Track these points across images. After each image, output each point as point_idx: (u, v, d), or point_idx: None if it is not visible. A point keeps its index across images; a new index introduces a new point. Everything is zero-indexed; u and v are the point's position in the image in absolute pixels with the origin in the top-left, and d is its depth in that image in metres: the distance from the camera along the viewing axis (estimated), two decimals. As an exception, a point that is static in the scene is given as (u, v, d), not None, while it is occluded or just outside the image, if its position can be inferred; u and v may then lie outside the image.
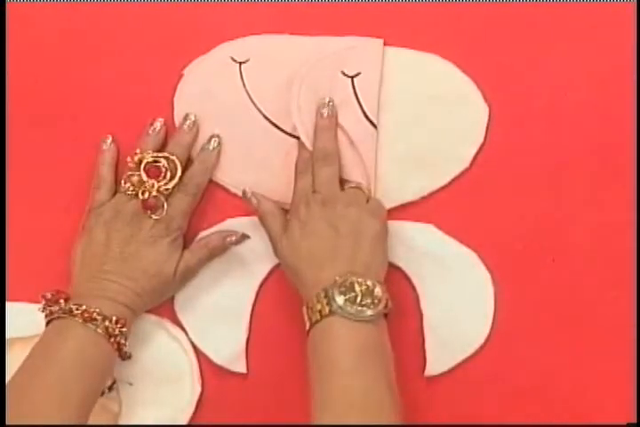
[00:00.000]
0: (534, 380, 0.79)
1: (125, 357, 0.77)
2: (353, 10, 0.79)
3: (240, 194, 0.81)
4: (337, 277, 0.72)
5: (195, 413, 0.80)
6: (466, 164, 0.80)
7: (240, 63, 0.81)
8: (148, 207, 0.78)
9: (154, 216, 0.78)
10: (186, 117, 0.81)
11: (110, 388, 0.79)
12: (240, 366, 0.80)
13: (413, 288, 0.80)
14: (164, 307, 0.81)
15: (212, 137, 0.81)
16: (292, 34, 0.80)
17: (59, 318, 0.75)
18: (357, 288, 0.71)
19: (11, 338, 0.80)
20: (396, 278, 0.80)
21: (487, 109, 0.80)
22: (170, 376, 0.80)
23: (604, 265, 0.78)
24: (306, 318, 0.73)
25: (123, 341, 0.75)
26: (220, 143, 0.81)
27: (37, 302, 0.77)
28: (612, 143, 0.79)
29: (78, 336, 0.74)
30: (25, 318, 0.79)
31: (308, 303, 0.73)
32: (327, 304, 0.71)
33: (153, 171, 0.79)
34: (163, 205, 0.78)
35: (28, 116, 0.83)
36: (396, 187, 0.81)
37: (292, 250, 0.76)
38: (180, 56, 0.81)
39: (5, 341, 0.80)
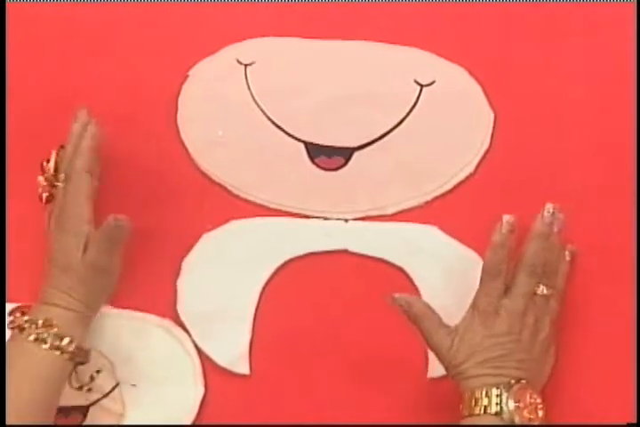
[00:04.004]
0: (535, 380, 0.80)
1: (81, 358, 0.75)
2: (358, 12, 0.80)
3: (242, 195, 0.81)
4: (512, 380, 0.71)
5: (197, 414, 0.79)
6: (470, 169, 0.81)
7: (245, 65, 0.81)
8: (46, 202, 0.78)
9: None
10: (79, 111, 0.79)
11: (109, 392, 0.79)
12: (243, 368, 0.80)
13: (415, 289, 0.80)
14: (167, 308, 0.81)
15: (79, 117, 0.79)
16: (298, 36, 0.81)
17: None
18: (528, 400, 0.71)
19: (11, 339, 0.79)
20: (397, 279, 0.81)
21: (492, 115, 0.81)
22: (173, 378, 0.80)
23: (604, 265, 0.79)
24: (466, 404, 0.72)
25: (57, 342, 0.73)
26: (87, 121, 0.78)
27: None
28: (614, 148, 0.80)
29: (13, 348, 0.73)
30: (25, 319, 0.78)
31: (472, 392, 0.71)
32: (497, 404, 0.70)
33: (42, 169, 0.78)
34: (46, 197, 0.78)
35: (29, 116, 0.83)
36: (401, 193, 0.81)
37: (469, 333, 0.74)
38: (185, 57, 0.81)
39: (5, 341, 0.78)
